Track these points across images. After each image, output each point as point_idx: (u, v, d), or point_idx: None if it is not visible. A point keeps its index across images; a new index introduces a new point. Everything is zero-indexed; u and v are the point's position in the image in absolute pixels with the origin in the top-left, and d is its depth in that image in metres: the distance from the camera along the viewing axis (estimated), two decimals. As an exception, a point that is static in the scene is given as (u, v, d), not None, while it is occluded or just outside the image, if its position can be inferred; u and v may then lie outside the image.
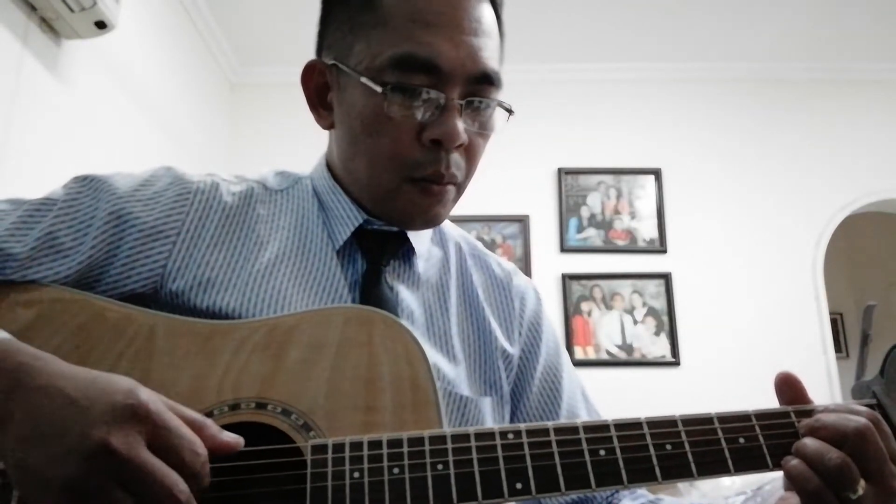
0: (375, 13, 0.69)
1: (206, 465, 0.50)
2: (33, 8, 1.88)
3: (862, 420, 0.54)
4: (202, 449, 0.50)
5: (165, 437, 0.49)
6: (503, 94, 0.73)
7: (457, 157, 0.70)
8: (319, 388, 0.58)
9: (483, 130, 0.72)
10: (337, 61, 0.72)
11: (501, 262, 0.88)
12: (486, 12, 0.72)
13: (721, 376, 3.12)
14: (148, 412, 0.48)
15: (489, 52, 0.70)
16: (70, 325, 0.62)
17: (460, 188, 0.74)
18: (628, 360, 3.21)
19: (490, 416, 0.75)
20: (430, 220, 0.74)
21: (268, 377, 0.59)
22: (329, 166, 0.80)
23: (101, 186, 0.70)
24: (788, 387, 0.60)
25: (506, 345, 0.80)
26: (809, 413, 0.57)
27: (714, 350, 3.21)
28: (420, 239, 0.79)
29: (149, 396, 0.49)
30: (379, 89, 0.67)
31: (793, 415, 0.58)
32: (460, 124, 0.68)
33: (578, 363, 3.11)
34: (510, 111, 0.73)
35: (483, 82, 0.69)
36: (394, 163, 0.69)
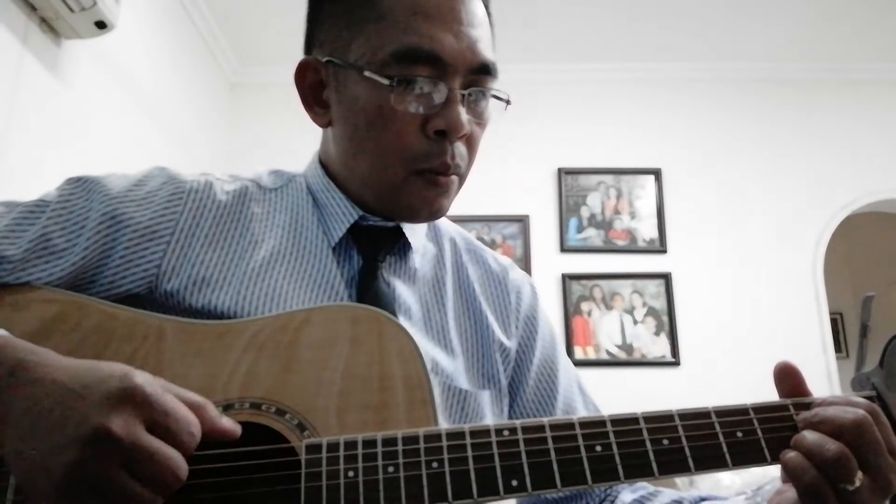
0: (373, 8, 0.69)
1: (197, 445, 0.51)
2: (33, 8, 1.88)
3: (860, 412, 0.54)
4: (198, 429, 0.51)
5: (162, 419, 0.49)
6: (501, 89, 0.74)
7: (460, 148, 0.71)
8: (330, 387, 0.58)
9: (481, 120, 0.73)
10: (333, 57, 0.72)
11: (497, 257, 0.88)
12: (479, 5, 0.73)
13: (721, 376, 3.12)
14: (144, 395, 0.49)
15: (486, 44, 0.71)
16: (83, 328, 0.62)
17: (462, 179, 0.75)
18: (628, 360, 3.21)
19: (489, 410, 0.75)
20: (434, 212, 0.74)
21: (277, 377, 0.59)
22: (323, 164, 0.80)
23: (94, 187, 0.70)
24: (787, 377, 0.59)
25: (503, 338, 0.80)
26: (808, 406, 0.57)
27: (714, 350, 3.21)
28: (415, 234, 0.79)
29: (144, 379, 0.50)
30: (386, 82, 0.67)
31: (791, 408, 0.57)
32: (464, 114, 0.69)
33: (578, 363, 3.11)
34: (508, 101, 0.74)
35: (482, 73, 0.70)
36: (400, 155, 0.69)
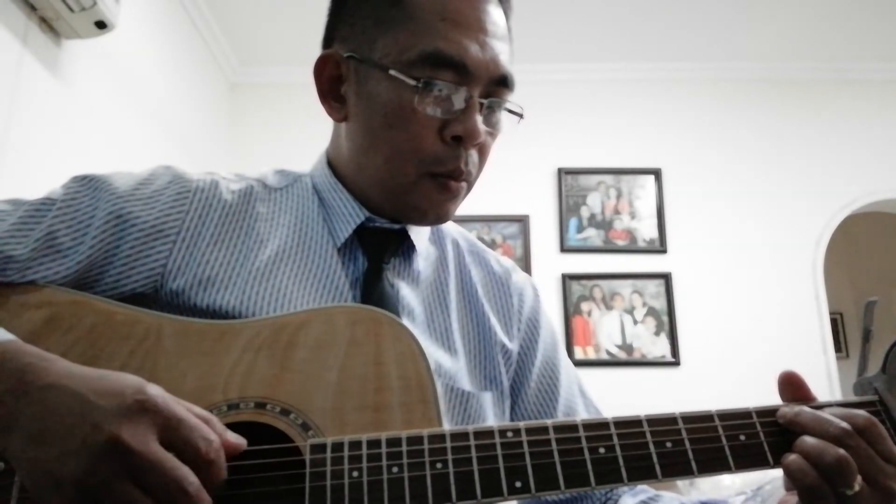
0: (402, 9, 0.70)
1: (220, 452, 0.50)
2: (33, 8, 1.88)
3: (845, 425, 0.54)
4: (214, 436, 0.50)
5: (176, 429, 0.49)
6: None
7: (473, 155, 0.72)
8: (328, 388, 0.58)
9: (494, 130, 0.74)
10: (355, 53, 0.72)
11: (500, 259, 0.88)
12: (502, 18, 0.74)
13: (721, 376, 3.12)
14: (157, 406, 0.49)
15: (506, 56, 0.72)
16: (80, 327, 0.62)
17: (470, 187, 0.75)
18: (628, 360, 3.21)
19: (491, 411, 0.75)
20: (442, 215, 0.74)
21: (275, 377, 0.59)
22: (330, 163, 0.80)
23: (101, 186, 0.69)
24: (792, 386, 0.59)
25: (505, 340, 0.80)
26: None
27: (714, 350, 3.21)
28: (419, 237, 0.79)
29: (157, 391, 0.50)
30: (412, 82, 0.68)
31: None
32: (481, 123, 0.70)
33: (578, 363, 3.10)
34: (521, 115, 0.75)
35: (501, 84, 0.72)
36: (415, 156, 0.70)
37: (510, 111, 0.74)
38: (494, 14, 0.72)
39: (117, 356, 0.60)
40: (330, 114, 0.77)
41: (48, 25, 1.95)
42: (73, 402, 0.49)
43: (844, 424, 0.54)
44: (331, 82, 0.76)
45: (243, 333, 0.62)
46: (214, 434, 0.50)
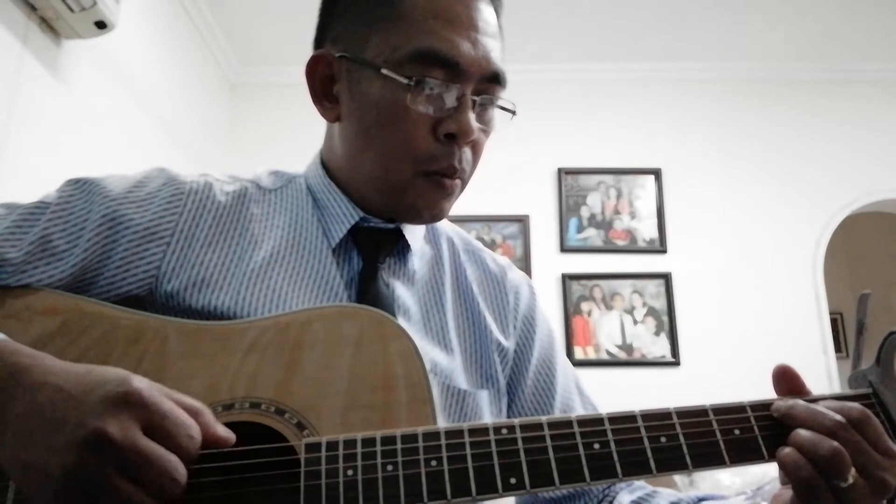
0: (393, 8, 0.70)
1: (198, 449, 0.51)
2: (33, 8, 1.88)
3: (838, 417, 0.54)
4: (197, 433, 0.51)
5: (160, 421, 0.49)
6: (504, 94, 0.75)
7: (467, 153, 0.72)
8: (334, 387, 0.59)
9: (487, 128, 0.74)
10: (347, 53, 0.72)
11: (496, 257, 0.88)
12: (493, 15, 0.74)
13: (721, 376, 3.12)
14: (142, 398, 0.49)
15: (498, 54, 0.72)
16: (87, 334, 0.62)
17: (464, 185, 0.75)
18: (628, 360, 3.21)
19: (487, 409, 0.75)
20: (436, 214, 0.74)
21: (281, 378, 0.59)
22: (324, 164, 0.80)
23: (94, 189, 0.70)
24: (786, 380, 0.60)
25: (501, 338, 0.80)
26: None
27: (714, 350, 3.21)
28: (414, 236, 0.79)
29: (142, 383, 0.50)
30: (404, 81, 0.67)
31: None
32: (474, 120, 0.70)
33: (578, 363, 3.11)
34: (514, 112, 0.75)
35: (493, 82, 0.71)
36: (409, 155, 0.70)
37: (503, 108, 0.74)
38: (486, 11, 0.72)
39: (125, 361, 0.60)
40: (323, 114, 0.77)
41: (48, 25, 1.95)
42: (58, 398, 0.49)
43: (838, 417, 0.54)
44: (323, 82, 0.76)
45: (247, 334, 0.62)
46: (198, 431, 0.51)
